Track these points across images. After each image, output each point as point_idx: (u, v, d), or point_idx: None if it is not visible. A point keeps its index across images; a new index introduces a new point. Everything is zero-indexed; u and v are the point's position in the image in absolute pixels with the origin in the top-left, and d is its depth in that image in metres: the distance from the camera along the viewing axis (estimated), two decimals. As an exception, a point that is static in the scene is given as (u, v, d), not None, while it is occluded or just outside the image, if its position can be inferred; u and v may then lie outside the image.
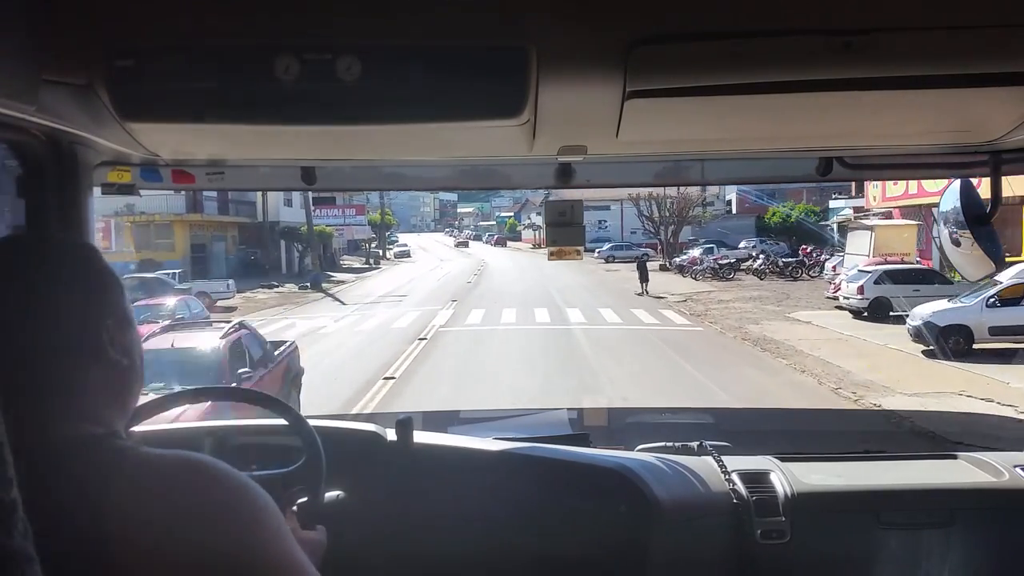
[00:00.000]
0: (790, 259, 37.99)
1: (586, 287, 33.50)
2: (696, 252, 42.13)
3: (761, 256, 38.77)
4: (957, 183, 1.94)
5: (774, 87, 1.29)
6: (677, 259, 42.17)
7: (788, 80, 1.28)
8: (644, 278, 30.69)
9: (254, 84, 1.21)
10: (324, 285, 36.45)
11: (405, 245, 77.76)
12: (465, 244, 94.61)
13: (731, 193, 55.42)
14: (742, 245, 47.26)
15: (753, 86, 1.29)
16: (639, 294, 29.71)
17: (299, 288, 35.07)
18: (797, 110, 1.45)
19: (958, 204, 1.88)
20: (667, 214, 46.89)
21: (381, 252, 65.02)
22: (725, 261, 37.48)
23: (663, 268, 42.00)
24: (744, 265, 38.33)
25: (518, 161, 1.98)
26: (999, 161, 1.87)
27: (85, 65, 1.24)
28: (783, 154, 2.00)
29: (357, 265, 55.60)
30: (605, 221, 65.74)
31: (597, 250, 54.71)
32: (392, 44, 1.21)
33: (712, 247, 43.67)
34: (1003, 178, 1.92)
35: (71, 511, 0.82)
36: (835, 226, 46.39)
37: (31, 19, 1.15)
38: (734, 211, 58.12)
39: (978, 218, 1.87)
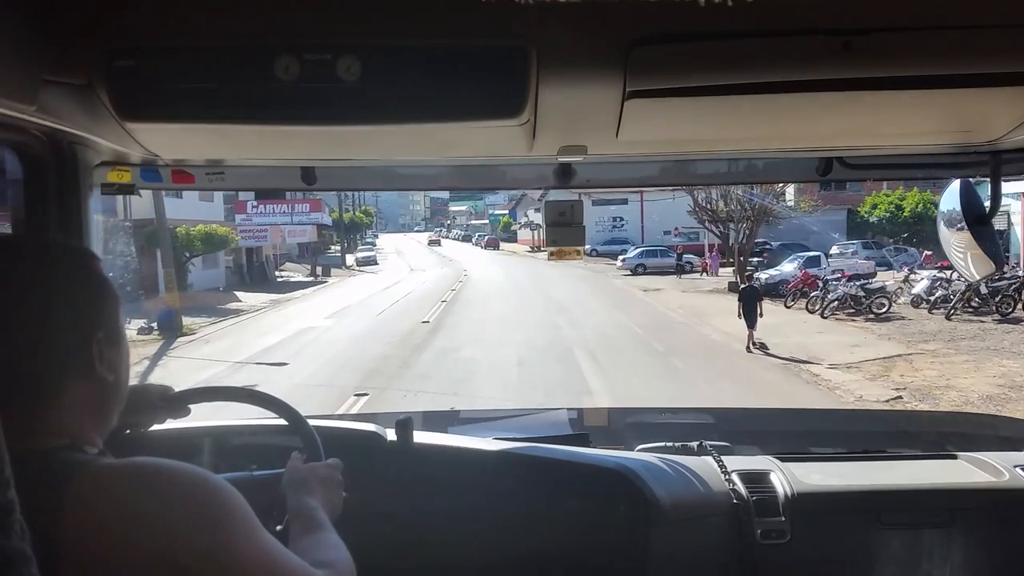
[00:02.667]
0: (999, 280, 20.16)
1: (641, 338, 17.53)
2: (789, 265, 28.90)
3: (924, 278, 22.77)
4: (957, 183, 1.94)
5: (774, 87, 1.29)
6: (763, 275, 27.05)
7: (788, 80, 1.28)
8: (751, 321, 16.48)
9: (254, 84, 1.21)
10: (197, 321, 22.75)
11: (372, 250, 64.02)
12: (437, 243, 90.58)
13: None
14: (834, 251, 33.11)
15: (753, 86, 1.29)
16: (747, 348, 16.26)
17: (138, 332, 19.88)
18: (797, 110, 1.45)
19: (958, 205, 1.89)
20: (736, 207, 31.20)
21: (342, 259, 52.52)
22: (875, 285, 22.25)
23: (733, 288, 26.69)
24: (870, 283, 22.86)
25: (518, 161, 1.98)
26: (999, 161, 1.87)
27: (85, 65, 1.24)
28: (783, 154, 2.00)
29: (298, 278, 41.66)
30: (622, 219, 54.52)
31: (621, 257, 42.60)
32: (392, 44, 1.21)
33: (818, 256, 29.73)
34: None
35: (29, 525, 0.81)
36: (976, 224, 35.78)
37: (31, 19, 1.15)
38: (790, 203, 37.91)
39: (978, 218, 1.87)
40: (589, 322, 20.76)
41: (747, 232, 31.64)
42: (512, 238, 78.94)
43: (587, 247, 53.85)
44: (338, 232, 57.37)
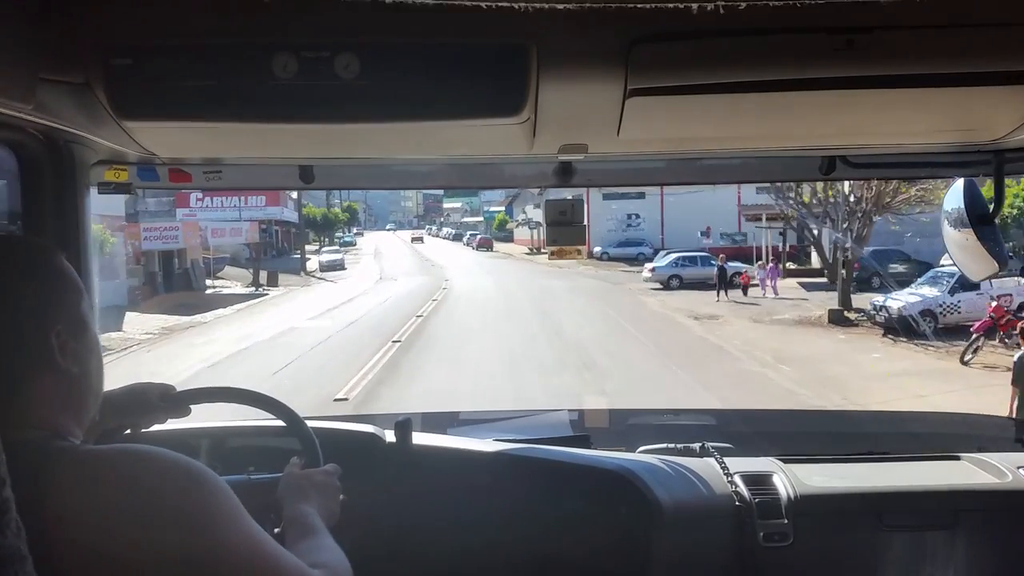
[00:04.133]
0: None
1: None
2: (930, 288, 18.94)
3: None
4: (960, 182, 1.94)
5: (776, 85, 1.28)
6: (890, 301, 18.56)
7: (790, 78, 1.27)
8: None
9: (252, 83, 1.21)
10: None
11: (339, 252, 52.83)
12: (420, 240, 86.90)
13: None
14: (947, 261, 18.49)
15: (755, 84, 1.28)
16: None
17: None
18: (799, 108, 1.44)
19: (961, 204, 1.88)
20: (840, 196, 21.15)
21: (301, 263, 43.36)
22: None
23: (836, 319, 19.32)
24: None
25: (518, 160, 1.97)
26: (1002, 160, 1.87)
27: (82, 64, 1.24)
28: (785, 152, 1.99)
29: (234, 289, 32.34)
30: (637, 216, 45.43)
31: (650, 266, 32.39)
32: (391, 42, 1.21)
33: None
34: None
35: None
36: None
37: (29, 18, 1.15)
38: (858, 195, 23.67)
39: (981, 217, 1.87)
40: (646, 399, 11.69)
41: (852, 233, 20.86)
42: (508, 237, 70.92)
43: (596, 250, 41.96)
44: (303, 230, 48.61)
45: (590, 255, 42.26)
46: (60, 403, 1.05)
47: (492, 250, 63.11)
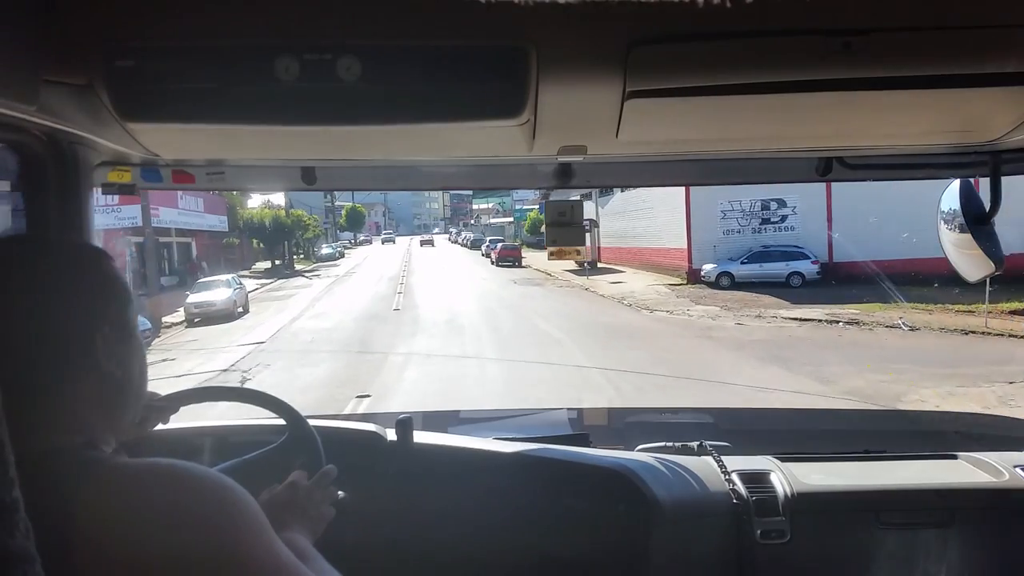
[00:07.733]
0: None
1: None
2: None
3: None
4: (956, 183, 1.95)
5: (774, 87, 1.29)
6: None
7: (788, 80, 1.28)
8: None
9: (254, 84, 1.21)
10: None
11: (231, 284, 25.80)
12: (431, 243, 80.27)
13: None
14: None
15: (753, 86, 1.29)
16: None
17: None
18: (796, 110, 1.45)
19: (958, 204, 1.89)
20: None
21: (150, 315, 19.55)
22: None
23: None
24: None
25: (518, 161, 1.98)
26: (999, 161, 1.88)
27: (85, 65, 1.24)
28: (783, 154, 2.00)
29: None
30: (783, 204, 27.29)
31: None
32: (392, 44, 1.21)
33: None
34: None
35: (39, 525, 0.80)
36: None
37: (31, 19, 1.15)
38: None
39: (978, 218, 1.88)
40: None
41: None
42: (544, 243, 40.98)
43: (706, 269, 27.48)
44: (155, 243, 27.76)
45: (695, 278, 26.71)
46: (98, 406, 1.06)
47: (520, 265, 42.08)
